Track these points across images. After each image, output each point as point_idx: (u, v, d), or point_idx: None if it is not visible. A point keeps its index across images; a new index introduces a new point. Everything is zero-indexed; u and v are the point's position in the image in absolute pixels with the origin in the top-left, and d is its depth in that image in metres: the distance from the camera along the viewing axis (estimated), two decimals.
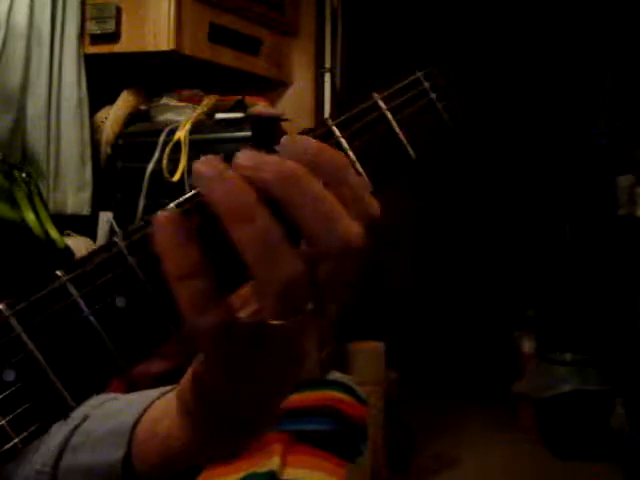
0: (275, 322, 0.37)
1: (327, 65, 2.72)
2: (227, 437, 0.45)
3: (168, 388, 0.51)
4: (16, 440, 0.35)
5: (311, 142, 0.39)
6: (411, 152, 0.43)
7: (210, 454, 0.48)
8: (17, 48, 1.97)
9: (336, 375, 2.02)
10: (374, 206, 0.39)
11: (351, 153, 0.42)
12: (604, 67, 3.79)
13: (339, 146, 0.42)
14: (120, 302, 0.37)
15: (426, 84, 0.44)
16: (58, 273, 0.37)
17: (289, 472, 1.33)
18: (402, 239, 4.62)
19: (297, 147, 0.38)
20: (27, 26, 1.99)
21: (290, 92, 2.64)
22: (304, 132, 0.42)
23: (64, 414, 0.37)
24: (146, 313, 0.38)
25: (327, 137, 0.42)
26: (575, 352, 3.37)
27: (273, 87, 2.61)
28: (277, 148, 0.39)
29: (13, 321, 0.36)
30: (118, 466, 0.48)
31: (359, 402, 1.80)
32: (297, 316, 0.37)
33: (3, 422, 0.35)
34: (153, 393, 0.52)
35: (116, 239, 0.38)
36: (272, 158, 0.37)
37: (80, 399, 0.37)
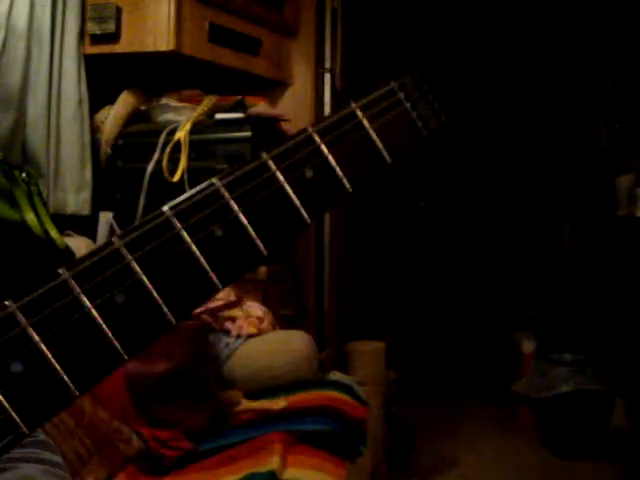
0: None
1: (327, 65, 2.72)
2: None
3: None
4: (23, 428, 0.37)
5: None
6: (387, 157, 0.46)
7: None
8: (17, 48, 1.97)
9: (336, 375, 2.02)
10: None
11: (330, 158, 0.44)
12: (604, 68, 3.80)
13: (319, 152, 0.44)
14: (120, 298, 0.39)
15: (401, 94, 0.47)
16: (60, 270, 0.39)
17: (289, 472, 1.33)
18: (403, 240, 4.62)
19: None
20: (27, 27, 1.99)
21: (290, 92, 2.65)
22: (283, 141, 0.44)
23: (68, 403, 0.39)
24: (145, 307, 0.40)
25: (308, 143, 0.44)
26: (575, 352, 3.37)
27: (273, 87, 2.61)
28: None
29: (19, 315, 0.38)
30: None
31: (359, 402, 1.80)
32: None
33: (11, 411, 0.37)
34: None
35: (114, 238, 0.40)
36: None
37: (83, 389, 0.39)
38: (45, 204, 1.71)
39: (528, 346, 3.66)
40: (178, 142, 2.11)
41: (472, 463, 3.09)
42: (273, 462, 1.32)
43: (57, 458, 0.88)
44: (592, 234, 3.67)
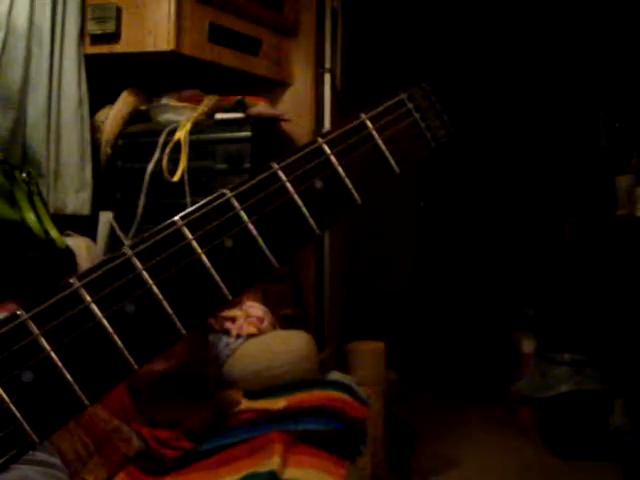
0: None
1: (327, 65, 2.72)
2: None
3: None
4: (34, 437, 0.38)
5: None
6: (395, 168, 0.46)
7: None
8: (17, 48, 1.97)
9: (336, 375, 2.02)
10: None
11: (340, 169, 0.44)
12: (604, 68, 3.79)
13: (329, 163, 0.44)
14: (130, 308, 0.40)
15: (410, 105, 0.47)
16: (71, 280, 0.39)
17: (289, 472, 1.33)
18: (402, 239, 4.62)
19: None
20: (27, 26, 1.99)
21: (290, 92, 2.64)
22: (293, 152, 0.43)
23: (79, 411, 0.39)
24: (155, 317, 0.40)
25: (318, 154, 0.44)
26: (574, 352, 3.37)
27: (273, 87, 2.61)
28: None
29: (31, 325, 0.38)
30: None
31: (359, 402, 1.80)
32: None
33: (22, 421, 0.37)
34: None
35: (124, 249, 0.40)
36: None
37: (94, 398, 0.39)
38: (45, 204, 1.71)
39: (528, 346, 3.66)
40: (178, 142, 2.11)
41: (472, 463, 3.09)
42: (273, 462, 1.32)
43: (54, 459, 0.88)
44: (592, 234, 3.67)
